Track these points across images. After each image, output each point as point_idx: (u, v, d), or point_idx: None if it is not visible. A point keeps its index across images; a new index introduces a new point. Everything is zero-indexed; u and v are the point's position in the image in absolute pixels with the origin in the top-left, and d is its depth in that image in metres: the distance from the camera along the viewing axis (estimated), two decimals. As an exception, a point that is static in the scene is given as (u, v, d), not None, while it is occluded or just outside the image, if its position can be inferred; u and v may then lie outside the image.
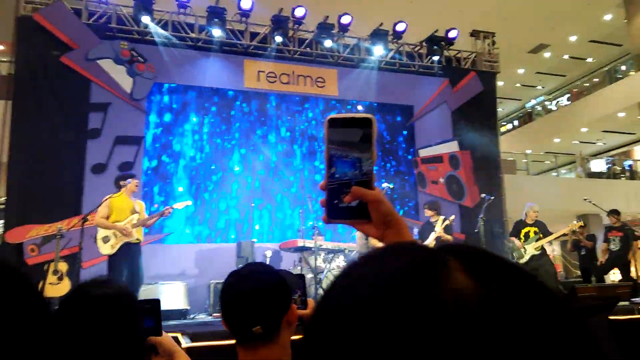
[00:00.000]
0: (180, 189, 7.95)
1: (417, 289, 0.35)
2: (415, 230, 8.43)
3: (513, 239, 7.40)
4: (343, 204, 0.73)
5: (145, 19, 7.90)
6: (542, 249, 7.21)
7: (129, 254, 5.56)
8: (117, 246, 5.55)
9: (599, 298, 4.39)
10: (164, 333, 1.47)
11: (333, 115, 0.73)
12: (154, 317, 1.44)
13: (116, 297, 1.20)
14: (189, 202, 6.10)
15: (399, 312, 0.34)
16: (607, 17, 15.42)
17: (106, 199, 5.60)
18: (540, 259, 7.18)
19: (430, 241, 6.79)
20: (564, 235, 7.97)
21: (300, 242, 6.34)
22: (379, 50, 9.35)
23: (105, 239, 5.60)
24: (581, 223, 7.96)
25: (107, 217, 5.63)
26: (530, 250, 7.14)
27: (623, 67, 16.49)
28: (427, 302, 0.34)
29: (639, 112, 15.35)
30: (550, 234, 7.25)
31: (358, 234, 6.63)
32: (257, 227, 8.24)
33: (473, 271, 0.36)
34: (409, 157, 9.56)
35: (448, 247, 0.41)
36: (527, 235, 7.25)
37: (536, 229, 7.23)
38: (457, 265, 0.37)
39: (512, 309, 0.34)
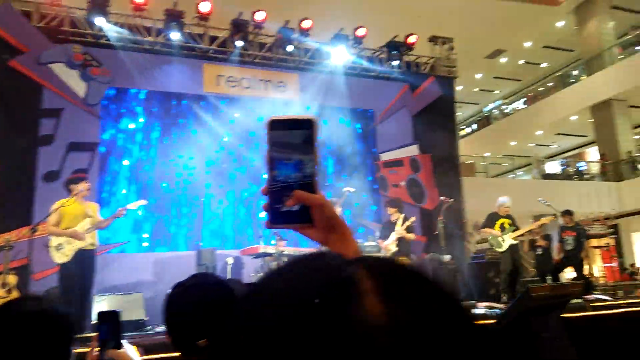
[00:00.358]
0: (124, 191, 7.76)
1: (324, 315, 0.33)
2: (377, 233, 8.51)
3: (489, 230, 7.45)
4: (285, 209, 0.70)
5: (100, 21, 7.67)
6: (519, 240, 7.37)
7: (82, 262, 5.37)
8: (71, 254, 5.34)
9: (552, 297, 4.53)
10: (124, 345, 1.42)
11: (275, 116, 0.70)
12: (113, 329, 1.39)
13: (42, 315, 1.14)
14: (145, 202, 5.91)
15: (302, 340, 0.32)
16: (560, 23, 16.05)
17: (56, 206, 5.39)
18: (516, 250, 7.34)
19: (391, 241, 6.84)
20: (530, 231, 8.15)
21: (262, 249, 6.29)
22: (340, 55, 9.40)
23: (59, 247, 5.39)
24: (552, 218, 8.09)
25: (58, 224, 5.42)
26: (508, 240, 7.27)
27: (575, 72, 17.17)
28: (332, 330, 0.32)
29: (591, 115, 16.01)
30: (518, 227, 7.44)
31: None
32: (199, 236, 8.11)
33: (384, 293, 0.34)
34: (370, 161, 9.64)
35: (363, 260, 0.39)
36: (502, 226, 7.37)
37: (510, 220, 7.39)
38: (368, 286, 0.35)
39: (422, 340, 0.33)
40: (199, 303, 1.26)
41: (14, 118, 7.15)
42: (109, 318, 1.41)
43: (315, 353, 0.32)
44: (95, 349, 1.36)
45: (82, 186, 5.52)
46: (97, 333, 1.38)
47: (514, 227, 7.36)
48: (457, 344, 0.34)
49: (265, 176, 0.70)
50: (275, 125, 0.70)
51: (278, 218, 0.71)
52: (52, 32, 7.60)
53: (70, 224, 5.42)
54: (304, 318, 0.33)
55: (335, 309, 0.33)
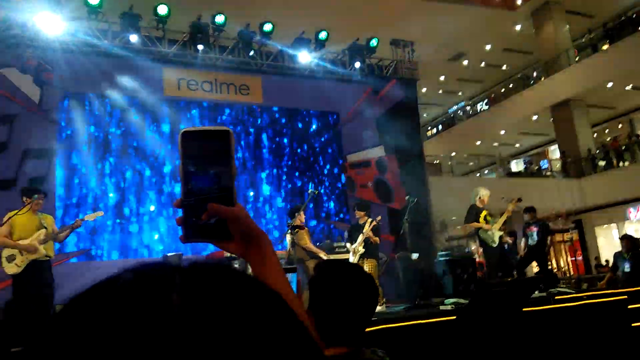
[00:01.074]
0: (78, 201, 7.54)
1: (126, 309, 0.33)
2: (345, 234, 8.49)
3: (475, 223, 7.18)
4: (201, 222, 0.68)
5: (54, 24, 7.45)
6: (504, 229, 7.19)
7: (37, 272, 5.15)
8: (23, 265, 5.13)
9: (511, 291, 4.60)
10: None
11: (188, 128, 0.69)
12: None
13: None
14: (101, 213, 5.78)
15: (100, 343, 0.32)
16: (518, 27, 16.51)
17: (7, 217, 5.17)
18: (502, 244, 7.17)
19: (358, 243, 6.83)
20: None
21: (226, 253, 6.17)
22: (302, 58, 9.41)
23: (10, 258, 5.17)
24: (517, 199, 7.74)
25: (10, 235, 5.19)
26: (497, 232, 7.12)
27: (534, 74, 17.69)
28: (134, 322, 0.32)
29: (551, 115, 16.50)
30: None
31: (288, 240, 6.56)
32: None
33: (186, 293, 0.34)
34: (339, 162, 9.65)
35: (188, 266, 0.38)
36: (485, 218, 7.17)
37: (487, 211, 7.22)
38: (174, 283, 0.35)
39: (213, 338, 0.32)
40: None
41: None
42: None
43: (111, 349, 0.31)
44: None
45: (37, 204, 5.33)
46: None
47: (492, 217, 7.26)
48: (255, 339, 0.33)
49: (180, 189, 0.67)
50: (189, 137, 0.68)
51: (194, 232, 0.69)
52: (3, 36, 7.34)
53: (22, 234, 5.22)
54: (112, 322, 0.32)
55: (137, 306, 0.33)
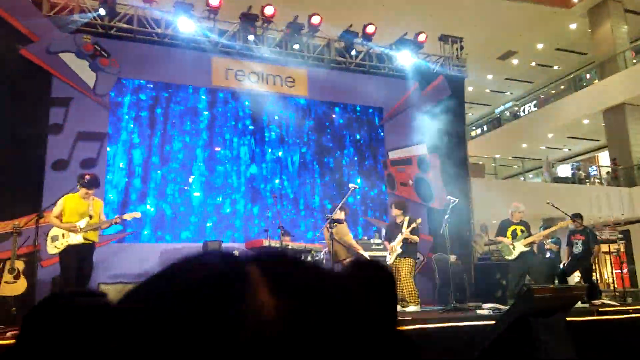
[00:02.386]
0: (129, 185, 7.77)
1: (213, 308, 0.33)
2: (383, 231, 8.45)
3: (501, 238, 7.37)
4: None
5: (110, 12, 7.70)
6: (531, 246, 7.28)
7: (79, 254, 5.42)
8: (62, 247, 5.42)
9: (554, 299, 4.46)
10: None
11: None
12: None
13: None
14: (139, 214, 6.03)
15: (192, 338, 0.31)
16: (572, 26, 15.88)
17: (61, 197, 5.46)
18: (532, 257, 7.23)
19: (397, 242, 6.80)
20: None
21: (266, 242, 6.26)
22: (349, 51, 9.37)
23: (54, 238, 5.47)
24: (564, 224, 7.95)
25: (60, 216, 5.47)
26: (519, 247, 7.17)
27: (588, 75, 16.99)
28: (223, 323, 0.32)
29: (603, 119, 15.83)
30: (531, 233, 7.34)
31: (326, 233, 6.58)
32: (210, 225, 8.12)
33: (275, 287, 0.34)
34: (379, 157, 9.59)
35: (254, 257, 0.37)
36: (514, 233, 7.27)
37: (522, 227, 7.29)
38: (259, 279, 0.34)
39: (313, 332, 0.33)
40: None
41: (25, 106, 7.19)
42: None
43: (206, 350, 0.31)
44: None
45: (88, 192, 5.58)
46: None
47: (527, 234, 7.26)
48: (348, 336, 0.34)
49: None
50: None
51: None
52: (62, 21, 7.64)
53: (70, 218, 5.49)
54: (193, 315, 0.32)
55: (225, 305, 0.33)
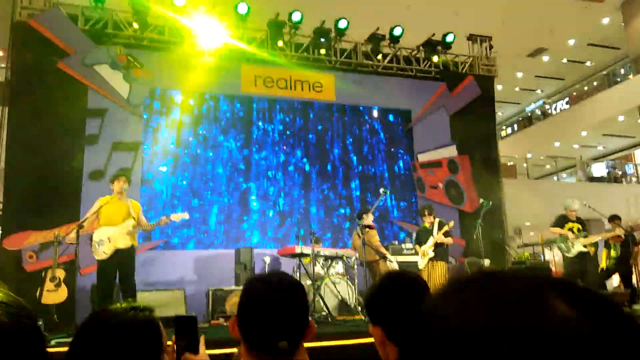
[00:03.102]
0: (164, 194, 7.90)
1: (525, 317, 0.38)
2: (414, 235, 8.38)
3: (558, 229, 7.07)
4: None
5: (141, 23, 7.87)
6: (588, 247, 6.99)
7: (120, 260, 5.50)
8: (110, 252, 5.49)
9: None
10: (200, 350, 1.44)
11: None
12: (190, 334, 1.42)
13: (139, 323, 1.14)
14: (186, 215, 5.95)
15: (508, 340, 0.36)
16: (605, 20, 15.43)
17: (99, 203, 5.59)
18: (588, 259, 6.99)
19: (429, 246, 6.73)
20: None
21: (298, 249, 6.28)
22: (376, 54, 9.33)
23: (100, 243, 5.54)
24: (622, 231, 7.61)
25: (97, 217, 5.58)
26: (578, 246, 6.93)
27: (622, 71, 16.49)
28: (535, 330, 0.37)
29: (639, 115, 15.33)
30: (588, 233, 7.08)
31: (357, 239, 6.57)
32: (248, 232, 8.20)
33: (572, 301, 0.39)
34: (408, 160, 9.51)
35: (543, 279, 0.43)
36: (571, 230, 7.02)
37: (579, 225, 7.06)
38: (556, 295, 0.40)
39: (616, 339, 0.37)
40: (281, 301, 1.23)
41: (62, 118, 7.40)
42: (187, 323, 1.44)
43: (525, 349, 0.36)
44: (173, 353, 1.37)
45: (118, 184, 5.65)
46: (175, 337, 1.40)
47: (585, 232, 7.04)
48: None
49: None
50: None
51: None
52: (97, 34, 7.85)
53: (107, 221, 5.57)
54: (512, 321, 0.38)
55: (537, 313, 0.38)
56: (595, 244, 8.71)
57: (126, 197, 5.75)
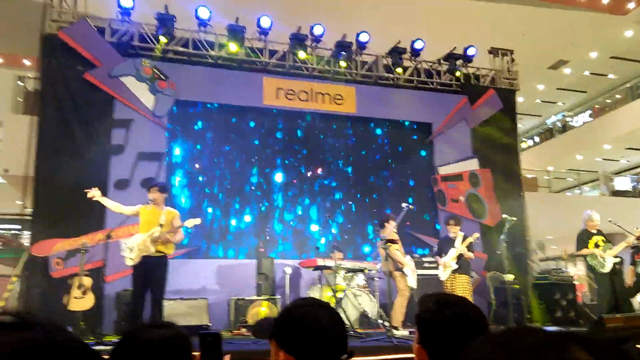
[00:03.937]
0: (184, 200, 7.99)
1: None
2: (435, 247, 8.32)
3: (586, 250, 6.93)
4: None
5: (167, 36, 8.03)
6: (619, 258, 6.86)
7: (148, 268, 5.52)
8: (137, 259, 5.53)
9: (626, 328, 4.23)
10: None
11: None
12: (215, 350, 1.46)
13: (171, 340, 1.19)
14: (199, 221, 5.93)
15: None
16: (628, 33, 15.24)
17: (139, 207, 5.70)
18: (618, 272, 6.85)
19: (451, 258, 6.65)
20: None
21: (320, 262, 6.29)
22: (396, 67, 9.36)
23: (130, 250, 5.59)
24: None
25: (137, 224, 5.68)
26: (610, 258, 6.80)
27: (645, 84, 16.24)
28: None
29: (663, 129, 15.07)
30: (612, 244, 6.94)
31: (382, 253, 6.52)
32: (270, 243, 8.23)
33: (591, 351, 0.45)
34: (430, 174, 9.48)
35: (564, 333, 0.49)
36: (597, 245, 6.89)
37: (602, 237, 6.93)
38: (576, 346, 0.46)
39: None
40: (326, 327, 1.29)
41: (89, 128, 7.56)
42: (212, 340, 1.48)
43: None
44: None
45: (150, 195, 5.73)
46: (200, 353, 1.44)
47: (609, 243, 6.91)
48: None
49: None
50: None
51: None
52: (123, 46, 8.02)
53: (142, 228, 5.65)
54: None
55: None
56: (621, 261, 8.55)
57: (164, 205, 5.82)
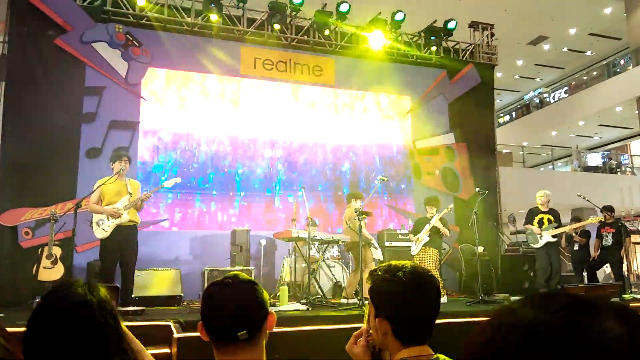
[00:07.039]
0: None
1: (573, 329, 0.45)
2: (410, 222, 8.45)
3: (529, 226, 7.31)
4: None
5: (141, 1, 7.78)
6: (557, 237, 7.21)
7: (121, 237, 5.50)
8: (110, 230, 5.49)
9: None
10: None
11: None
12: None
13: (82, 303, 1.21)
14: (179, 179, 5.94)
15: (561, 350, 0.44)
16: (607, 10, 15.34)
17: (98, 184, 5.56)
18: (553, 247, 7.17)
19: (424, 232, 6.77)
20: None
21: (294, 233, 6.33)
22: (377, 40, 9.27)
23: (99, 223, 5.54)
24: (594, 221, 7.81)
25: (100, 202, 5.58)
26: (546, 236, 7.10)
27: (622, 61, 16.45)
28: (581, 341, 0.44)
29: (637, 106, 15.36)
30: (561, 223, 7.27)
31: (351, 225, 6.58)
32: (234, 215, 8.23)
33: (620, 316, 0.46)
34: (406, 147, 9.52)
35: (592, 301, 0.50)
36: (541, 222, 7.20)
37: (550, 216, 7.21)
38: (605, 310, 0.47)
39: None
40: (234, 299, 1.34)
41: (60, 95, 7.36)
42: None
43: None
44: None
45: (119, 165, 5.63)
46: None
47: (556, 223, 7.17)
48: None
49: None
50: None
51: None
52: (95, 11, 7.75)
53: (111, 200, 5.57)
54: (562, 334, 0.46)
55: (584, 325, 0.45)
56: (587, 234, 8.83)
57: (125, 176, 5.75)
